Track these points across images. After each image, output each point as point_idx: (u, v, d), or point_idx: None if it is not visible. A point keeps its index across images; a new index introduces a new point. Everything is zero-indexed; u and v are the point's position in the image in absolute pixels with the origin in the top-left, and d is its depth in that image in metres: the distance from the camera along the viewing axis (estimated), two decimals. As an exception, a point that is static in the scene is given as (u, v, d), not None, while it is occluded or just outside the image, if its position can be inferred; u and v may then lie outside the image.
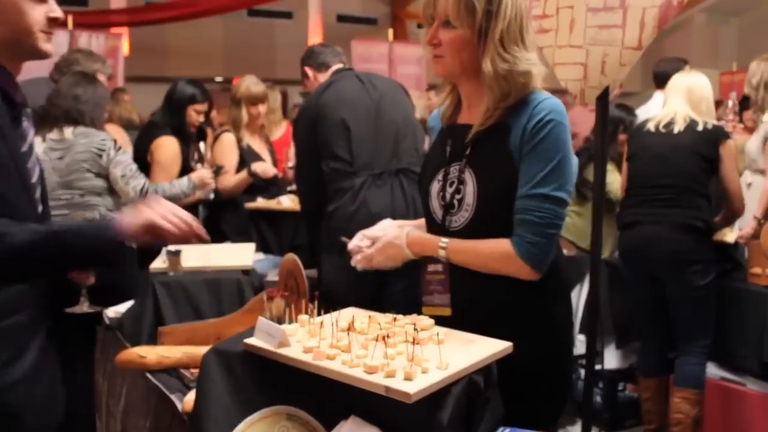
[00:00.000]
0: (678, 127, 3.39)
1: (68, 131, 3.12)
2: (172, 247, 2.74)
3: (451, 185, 1.83)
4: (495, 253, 1.74)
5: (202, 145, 3.62)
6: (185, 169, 3.82)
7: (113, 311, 2.88)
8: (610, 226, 4.31)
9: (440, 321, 1.78)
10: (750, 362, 3.32)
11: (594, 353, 2.81)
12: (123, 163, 3.15)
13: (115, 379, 2.68)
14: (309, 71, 3.36)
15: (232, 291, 2.69)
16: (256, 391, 1.66)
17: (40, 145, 3.09)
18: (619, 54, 2.31)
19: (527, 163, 1.70)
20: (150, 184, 3.26)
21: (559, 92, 2.17)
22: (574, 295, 3.94)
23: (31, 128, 1.77)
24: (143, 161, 3.74)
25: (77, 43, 7.81)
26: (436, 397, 1.46)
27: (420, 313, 1.88)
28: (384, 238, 1.88)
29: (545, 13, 2.39)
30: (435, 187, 1.88)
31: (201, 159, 3.58)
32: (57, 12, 1.71)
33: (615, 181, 4.19)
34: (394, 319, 1.74)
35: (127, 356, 2.32)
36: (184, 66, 11.67)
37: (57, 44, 7.82)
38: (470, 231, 1.79)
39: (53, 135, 3.12)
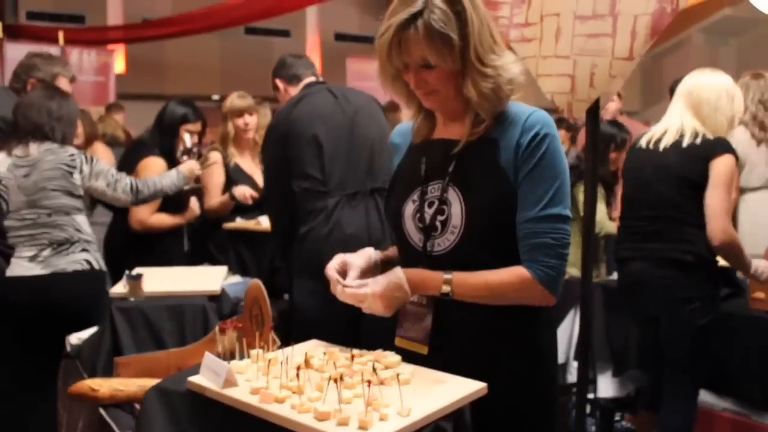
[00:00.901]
0: (664, 143, 2.87)
1: (34, 147, 2.94)
2: (133, 271, 2.57)
3: (430, 206, 1.66)
4: (511, 281, 1.58)
5: (187, 137, 3.44)
6: (174, 193, 3.66)
7: (76, 338, 2.71)
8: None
9: (416, 357, 1.61)
10: (754, 392, 3.10)
11: (586, 381, 2.62)
12: (102, 172, 3.00)
13: (72, 412, 2.50)
14: (279, 83, 3.18)
15: (196, 318, 2.50)
16: (200, 437, 1.49)
17: (4, 162, 2.92)
18: (609, 65, 2.14)
19: (531, 183, 1.57)
20: (138, 179, 3.09)
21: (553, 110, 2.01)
22: (568, 320, 3.74)
23: None
24: None
25: (68, 60, 7.69)
26: (396, 447, 1.28)
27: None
28: (382, 281, 1.59)
29: (528, 21, 2.21)
30: (409, 208, 1.70)
31: (188, 152, 3.42)
32: None
33: (597, 212, 3.95)
34: (352, 356, 1.56)
35: (79, 388, 2.15)
36: (180, 84, 11.55)
37: (47, 61, 7.71)
38: (456, 255, 1.62)
39: (18, 151, 2.94)
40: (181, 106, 3.81)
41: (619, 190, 3.58)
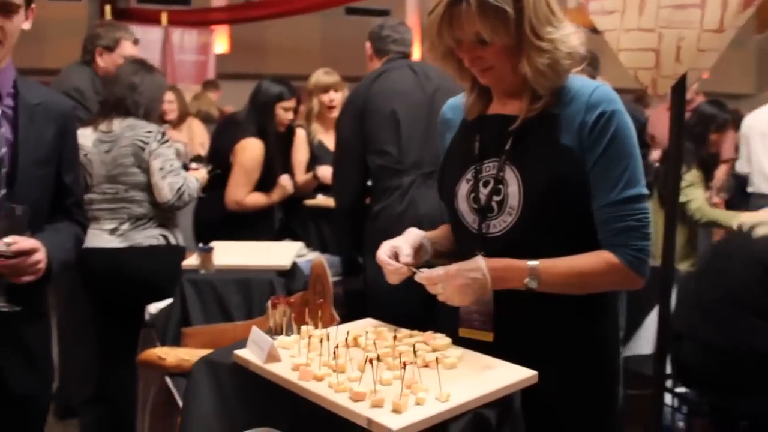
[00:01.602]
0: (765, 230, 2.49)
1: (117, 123, 3.01)
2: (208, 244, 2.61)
3: (485, 185, 1.58)
4: (601, 268, 1.50)
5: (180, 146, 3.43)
6: (268, 172, 3.70)
7: (154, 307, 2.78)
8: (690, 237, 3.90)
9: (483, 346, 1.54)
10: None
11: (663, 375, 2.48)
12: (164, 156, 2.99)
13: (147, 380, 2.56)
14: (369, 49, 3.11)
15: (263, 292, 2.50)
16: (242, 409, 1.50)
17: (90, 136, 3.01)
18: (696, 38, 1.99)
19: (605, 166, 1.49)
20: (186, 186, 3.05)
21: (631, 92, 1.88)
22: (657, 310, 3.57)
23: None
24: (224, 159, 3.63)
25: (171, 40, 7.97)
26: (431, 433, 1.23)
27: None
28: (457, 264, 1.48)
29: (609, -9, 2.08)
30: (463, 188, 1.63)
31: (199, 158, 3.43)
32: None
33: (696, 198, 3.72)
34: (395, 337, 1.51)
35: (147, 356, 2.21)
36: (281, 63, 11.67)
37: (151, 41, 7.99)
38: (512, 236, 1.54)
39: (103, 126, 3.02)
40: (275, 84, 3.78)
41: (719, 174, 3.36)
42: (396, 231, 2.04)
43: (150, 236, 2.99)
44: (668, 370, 3.32)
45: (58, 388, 3.72)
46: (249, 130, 3.67)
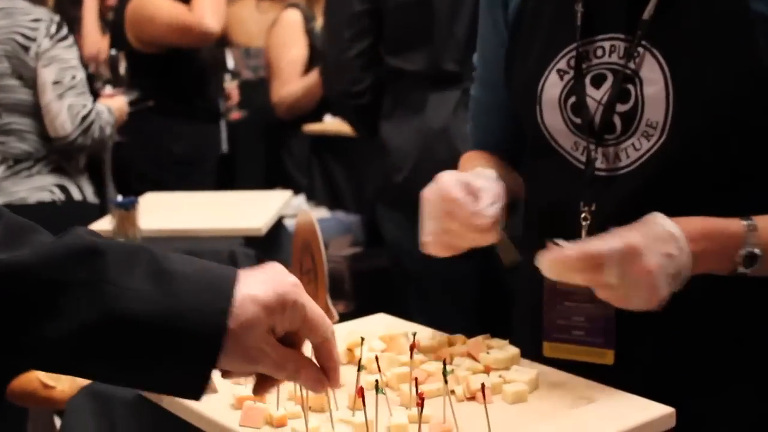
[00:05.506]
0: None
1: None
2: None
3: (596, 83, 1.43)
4: None
5: (122, 66, 3.29)
6: None
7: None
8: None
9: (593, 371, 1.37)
10: None
11: None
12: (60, 61, 2.88)
13: (36, 416, 2.51)
14: None
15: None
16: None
17: None
18: None
19: None
20: (95, 113, 2.94)
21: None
22: None
23: None
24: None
25: None
26: None
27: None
28: (638, 227, 1.23)
29: None
30: (553, 85, 1.45)
31: (116, 79, 3.30)
32: None
33: None
34: (412, 347, 1.33)
35: (25, 384, 2.10)
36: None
37: None
38: (653, 176, 1.38)
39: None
40: None
41: None
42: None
43: (39, 188, 2.92)
44: None
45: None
46: None
